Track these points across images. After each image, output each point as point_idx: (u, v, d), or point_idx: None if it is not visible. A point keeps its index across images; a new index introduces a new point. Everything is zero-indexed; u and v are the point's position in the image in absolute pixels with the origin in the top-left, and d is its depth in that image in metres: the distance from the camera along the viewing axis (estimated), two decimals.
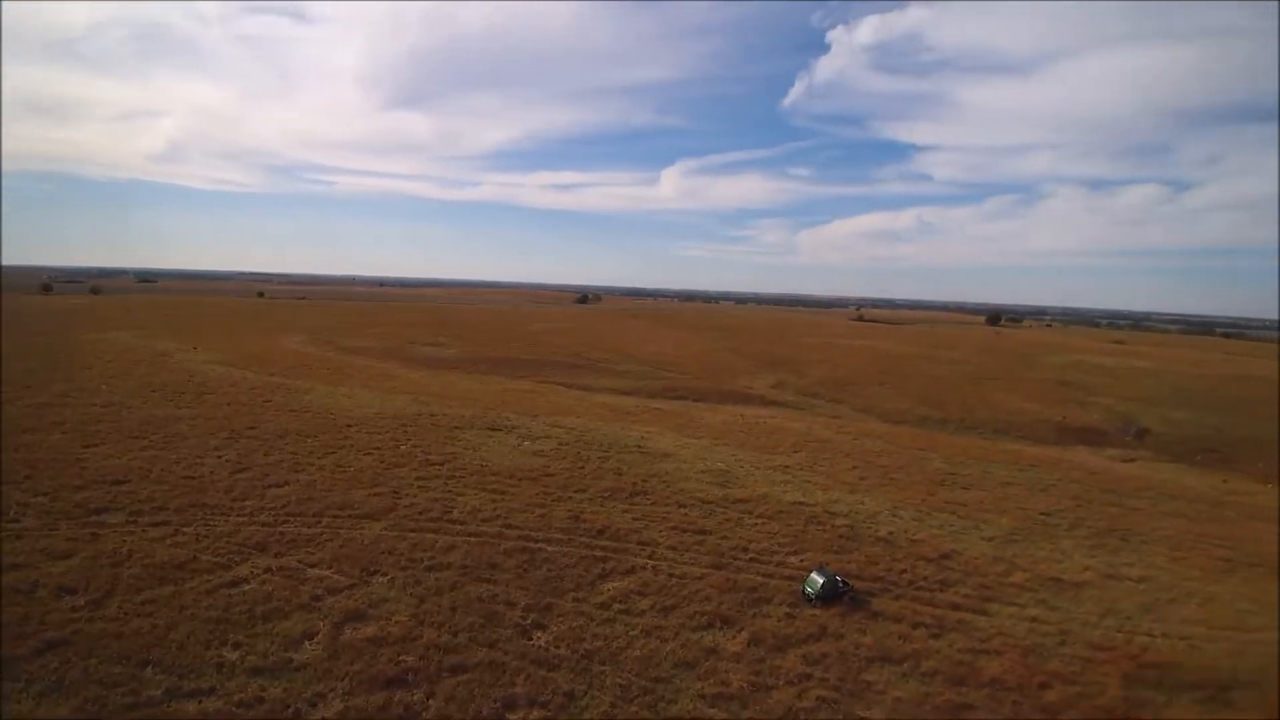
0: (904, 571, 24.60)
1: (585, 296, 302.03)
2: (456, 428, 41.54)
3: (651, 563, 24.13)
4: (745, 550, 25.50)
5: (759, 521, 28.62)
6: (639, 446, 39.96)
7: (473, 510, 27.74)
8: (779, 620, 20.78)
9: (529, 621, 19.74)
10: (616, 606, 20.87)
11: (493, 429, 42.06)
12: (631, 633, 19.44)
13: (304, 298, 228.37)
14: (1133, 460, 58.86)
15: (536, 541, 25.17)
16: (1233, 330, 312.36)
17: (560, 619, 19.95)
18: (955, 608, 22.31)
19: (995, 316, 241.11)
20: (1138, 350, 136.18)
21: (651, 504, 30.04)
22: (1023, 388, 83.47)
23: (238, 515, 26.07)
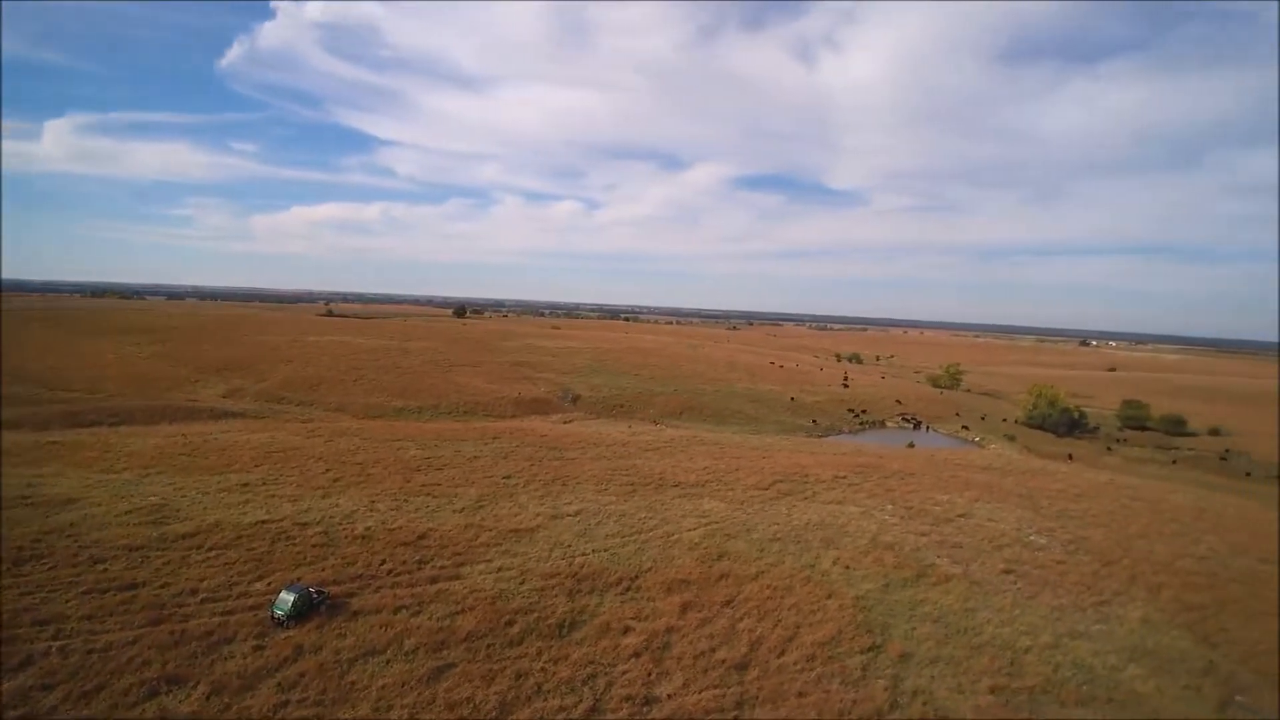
0: (383, 562, 24.62)
1: None
2: None
3: (57, 644, 18.22)
4: (194, 592, 21.53)
5: (211, 554, 24.50)
6: (25, 498, 29.46)
7: None
8: (246, 657, 18.31)
9: None
10: None
11: None
12: None
13: None
14: (571, 421, 72.31)
15: None
16: (631, 315, 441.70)
17: None
18: (433, 581, 23.47)
19: (461, 309, 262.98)
20: (570, 334, 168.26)
21: (50, 569, 22.59)
22: (486, 371, 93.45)
23: None
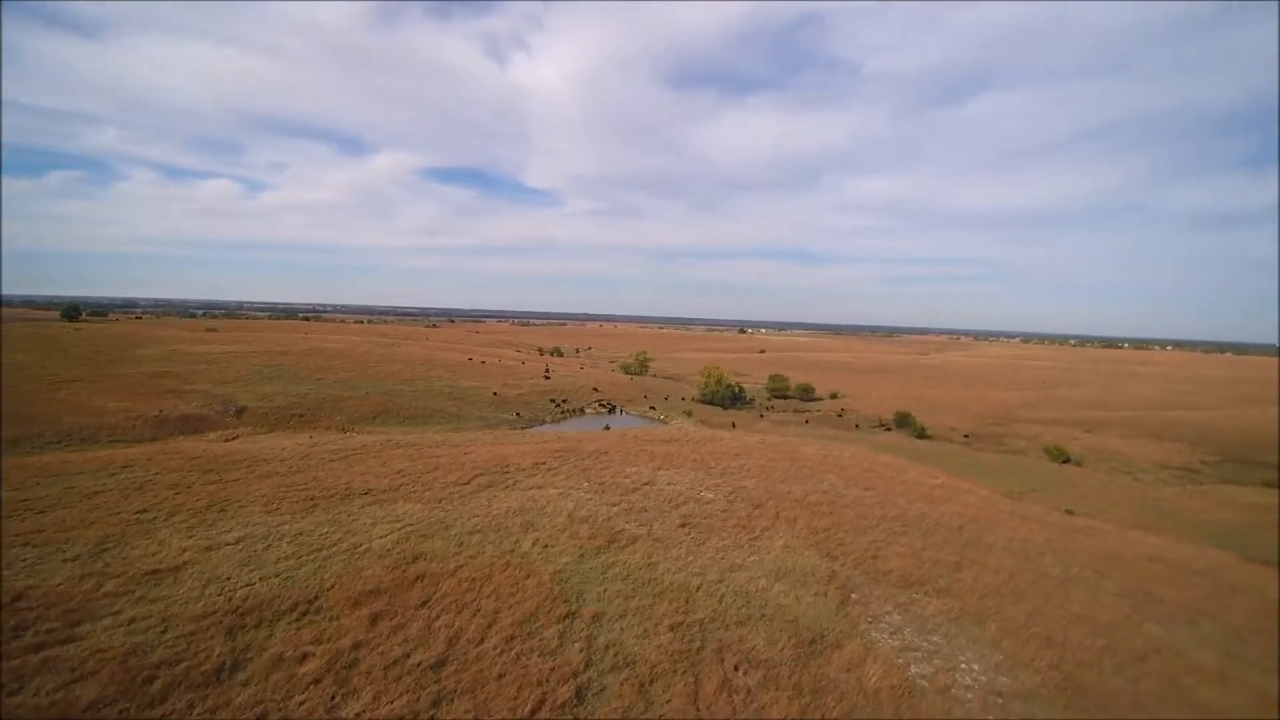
0: None
1: None
2: None
3: None
4: None
5: None
6: None
7: None
8: None
9: None
10: None
11: None
12: None
13: None
14: (235, 437, 62.45)
15: None
16: (313, 314, 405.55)
17: None
18: (38, 649, 18.21)
19: (74, 310, 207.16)
20: (231, 336, 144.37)
21: None
22: (111, 386, 75.68)
23: None
